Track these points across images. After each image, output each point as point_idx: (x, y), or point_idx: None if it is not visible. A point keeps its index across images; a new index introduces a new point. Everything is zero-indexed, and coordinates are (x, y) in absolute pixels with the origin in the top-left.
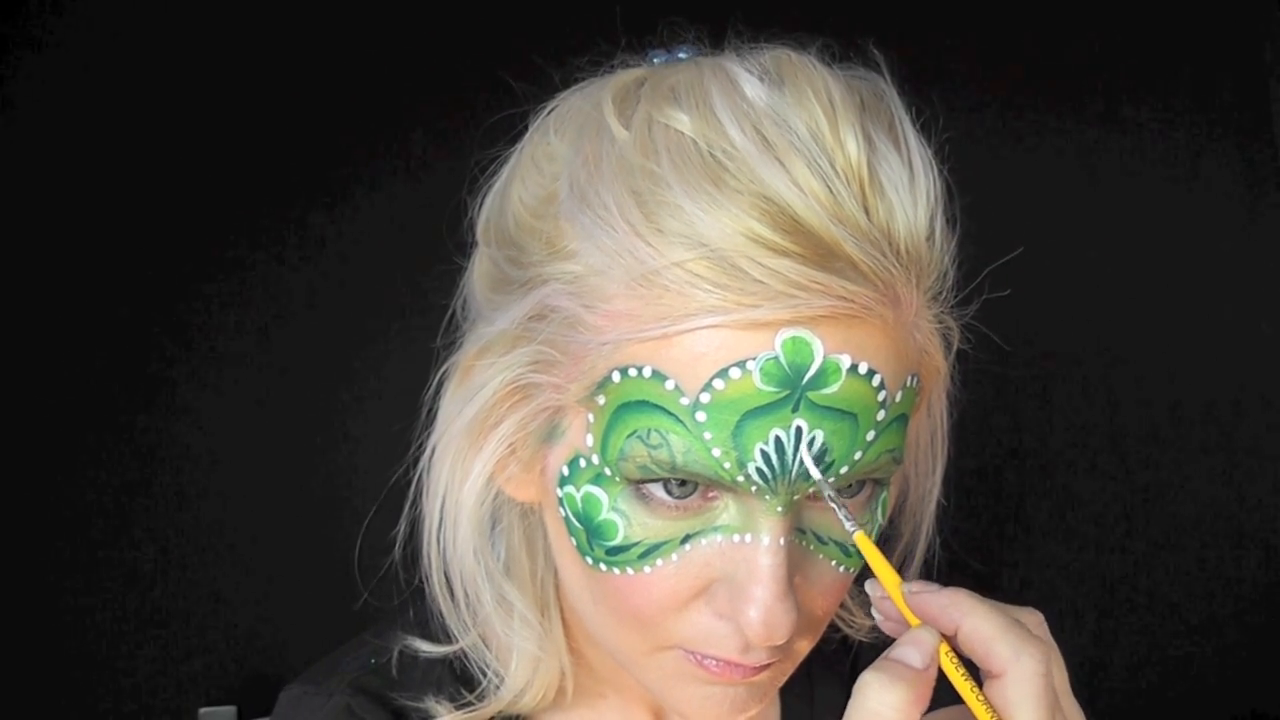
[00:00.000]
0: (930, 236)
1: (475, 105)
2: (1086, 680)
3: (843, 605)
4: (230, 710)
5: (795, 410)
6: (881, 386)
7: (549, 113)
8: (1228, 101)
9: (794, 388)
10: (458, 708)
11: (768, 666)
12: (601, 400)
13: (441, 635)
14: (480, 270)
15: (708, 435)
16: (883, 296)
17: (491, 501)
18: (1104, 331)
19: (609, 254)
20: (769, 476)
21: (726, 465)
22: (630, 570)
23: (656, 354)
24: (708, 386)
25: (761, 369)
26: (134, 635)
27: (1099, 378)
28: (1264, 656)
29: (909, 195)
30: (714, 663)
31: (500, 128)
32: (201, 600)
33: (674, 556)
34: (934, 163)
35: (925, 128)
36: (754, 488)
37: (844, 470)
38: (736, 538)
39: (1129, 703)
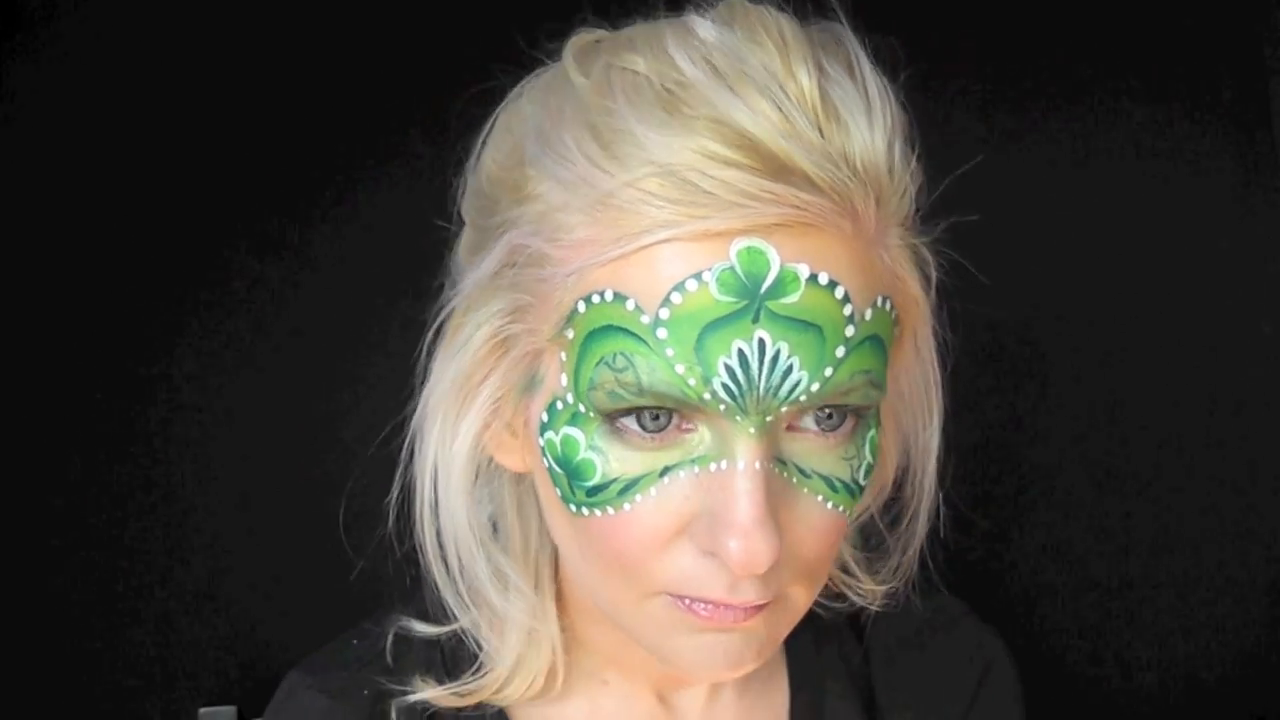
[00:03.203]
0: (890, 166)
1: (463, 92)
2: (1086, 680)
3: (846, 570)
4: (230, 710)
5: (756, 321)
6: (846, 300)
7: (522, 85)
8: (1228, 101)
9: (753, 298)
10: (452, 690)
11: (760, 610)
12: (570, 334)
13: (440, 615)
14: (463, 242)
15: (670, 352)
16: (839, 208)
17: (486, 469)
18: (1104, 331)
19: (568, 186)
20: (735, 392)
21: (691, 382)
22: (610, 510)
23: (616, 276)
24: (666, 301)
25: (718, 279)
26: (134, 635)
27: (1099, 379)
28: (1265, 657)
29: (865, 120)
30: (703, 606)
31: (482, 113)
32: (201, 600)
33: (652, 490)
34: (892, 94)
35: (915, 122)
36: (722, 406)
37: (815, 388)
38: (713, 466)
39: (1129, 703)
